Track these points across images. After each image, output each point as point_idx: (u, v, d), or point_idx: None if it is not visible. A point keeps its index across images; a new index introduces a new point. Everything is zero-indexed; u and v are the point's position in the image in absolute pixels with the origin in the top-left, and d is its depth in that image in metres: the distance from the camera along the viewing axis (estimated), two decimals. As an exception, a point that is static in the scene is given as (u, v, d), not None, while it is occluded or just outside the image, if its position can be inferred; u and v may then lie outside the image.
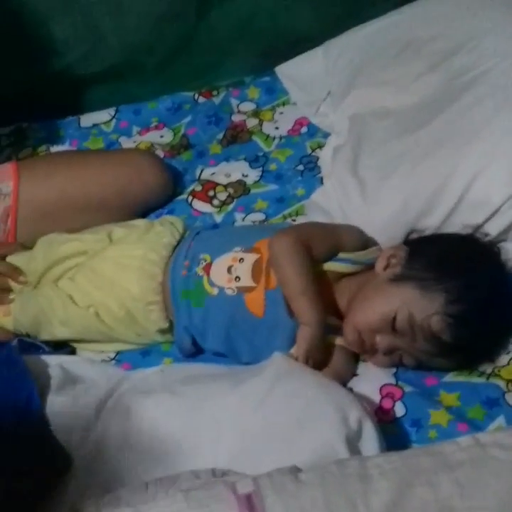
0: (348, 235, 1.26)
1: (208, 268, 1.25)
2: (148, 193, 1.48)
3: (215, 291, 1.23)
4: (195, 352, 1.28)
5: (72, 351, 1.29)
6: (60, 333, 1.26)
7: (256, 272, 1.23)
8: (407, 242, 1.26)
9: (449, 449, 0.86)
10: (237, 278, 1.23)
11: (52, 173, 1.47)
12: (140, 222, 1.36)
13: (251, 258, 1.24)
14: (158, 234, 1.31)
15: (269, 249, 1.21)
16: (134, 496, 0.84)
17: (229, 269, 1.24)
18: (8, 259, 1.37)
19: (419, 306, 1.13)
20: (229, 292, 1.22)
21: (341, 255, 1.24)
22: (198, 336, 1.25)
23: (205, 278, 1.24)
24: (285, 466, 0.85)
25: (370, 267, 1.25)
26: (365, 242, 1.28)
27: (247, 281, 1.22)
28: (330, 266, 1.24)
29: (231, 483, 0.82)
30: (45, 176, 1.46)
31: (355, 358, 1.21)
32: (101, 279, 1.26)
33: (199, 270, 1.25)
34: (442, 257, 1.18)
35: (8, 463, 0.92)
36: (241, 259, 1.24)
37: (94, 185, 1.44)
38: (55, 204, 1.42)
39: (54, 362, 1.13)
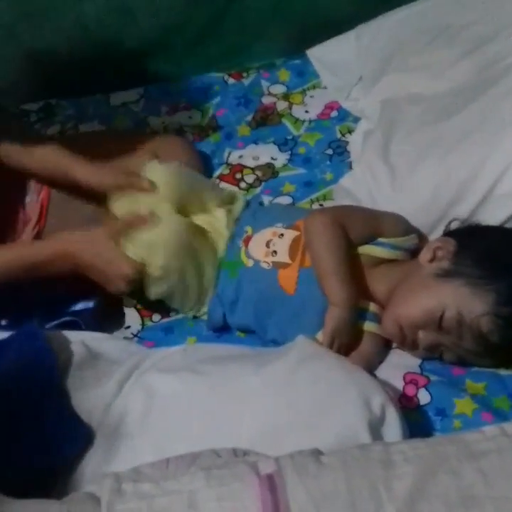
0: (389, 221, 1.24)
1: (247, 240, 1.27)
2: None
3: (250, 263, 1.24)
4: (221, 327, 1.28)
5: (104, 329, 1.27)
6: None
7: (293, 249, 1.23)
8: (452, 233, 1.23)
9: (473, 437, 0.85)
10: (274, 252, 1.24)
11: (83, 153, 1.45)
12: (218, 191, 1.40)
13: (291, 234, 1.24)
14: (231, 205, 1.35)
15: (305, 227, 1.21)
16: (154, 471, 0.84)
17: (267, 243, 1.25)
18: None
19: (469, 305, 1.09)
20: (264, 266, 1.23)
21: (381, 240, 1.23)
22: (228, 307, 1.25)
23: (243, 249, 1.26)
24: (307, 449, 0.85)
25: (411, 255, 1.23)
26: (406, 230, 1.26)
27: (283, 257, 1.23)
28: (368, 249, 1.22)
29: (253, 462, 0.82)
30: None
31: (386, 347, 1.19)
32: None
33: (240, 241, 1.27)
34: (493, 253, 1.14)
35: (30, 436, 0.92)
36: (281, 235, 1.25)
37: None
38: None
39: (76, 338, 1.12)
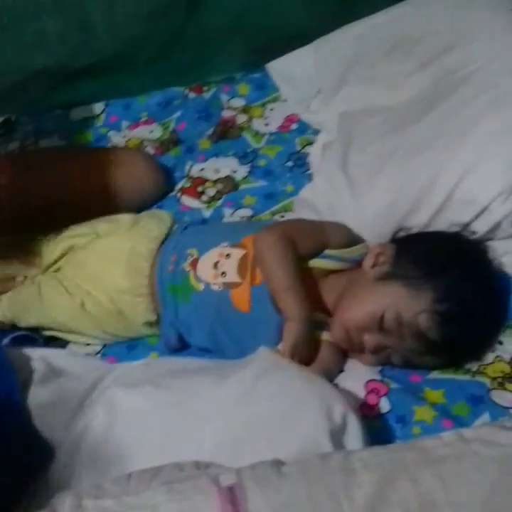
0: (334, 232, 1.26)
1: (194, 263, 1.25)
2: (141, 192, 1.48)
3: (201, 287, 1.23)
4: (180, 347, 1.27)
5: (63, 345, 1.29)
6: (46, 320, 1.26)
7: (242, 267, 1.22)
8: (395, 240, 1.26)
9: (432, 444, 0.86)
10: (223, 273, 1.23)
11: (42, 168, 1.46)
12: (125, 217, 1.36)
13: (237, 254, 1.24)
14: (145, 227, 1.32)
15: (254, 245, 1.21)
16: (116, 486, 0.84)
17: (215, 265, 1.24)
18: None
19: (407, 304, 1.13)
20: (215, 288, 1.22)
21: (328, 252, 1.24)
22: (184, 331, 1.25)
23: (191, 273, 1.24)
24: (268, 459, 0.85)
25: (357, 264, 1.25)
26: (352, 240, 1.28)
27: (232, 276, 1.22)
28: (316, 262, 1.24)
29: (214, 475, 0.82)
30: (37, 172, 1.45)
31: (342, 354, 1.20)
32: (88, 272, 1.26)
33: (186, 265, 1.25)
34: (429, 255, 1.18)
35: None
36: (227, 255, 1.24)
37: (83, 185, 1.44)
38: (43, 200, 1.41)
39: (37, 355, 1.12)
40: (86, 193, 1.44)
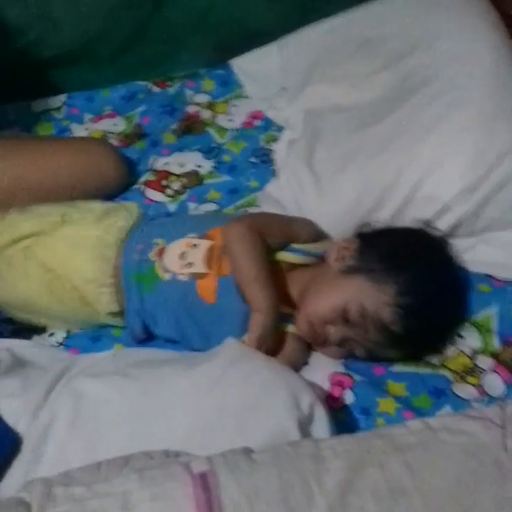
0: (301, 227, 1.27)
1: (160, 253, 1.25)
2: (103, 182, 1.47)
3: (167, 277, 1.23)
4: (146, 338, 1.27)
5: (29, 337, 1.27)
6: (10, 296, 1.24)
7: (209, 258, 1.23)
8: (359, 235, 1.28)
9: (398, 432, 0.88)
10: (190, 264, 1.23)
11: (6, 156, 1.43)
12: (95, 205, 1.35)
13: (205, 245, 1.24)
14: (113, 217, 1.30)
15: (223, 236, 1.21)
16: (85, 475, 0.83)
17: (182, 255, 1.24)
18: None
19: (371, 297, 1.15)
20: (181, 278, 1.22)
21: (294, 246, 1.25)
22: (150, 320, 1.24)
23: (157, 263, 1.24)
24: (238, 447, 0.86)
25: (322, 259, 1.26)
26: (318, 235, 1.30)
27: (199, 267, 1.22)
28: (282, 256, 1.25)
29: (185, 462, 0.82)
30: (0, 158, 1.42)
31: (307, 347, 1.22)
32: (54, 258, 1.25)
33: (152, 255, 1.25)
34: (393, 249, 1.20)
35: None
36: (194, 246, 1.24)
37: (48, 173, 1.42)
38: (6, 189, 1.39)
39: (2, 345, 1.11)
40: (51, 179, 1.42)
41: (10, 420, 0.98)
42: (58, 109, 1.69)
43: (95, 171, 1.46)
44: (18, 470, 0.95)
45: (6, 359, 1.07)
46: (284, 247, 1.25)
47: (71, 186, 1.42)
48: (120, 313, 1.27)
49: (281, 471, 0.81)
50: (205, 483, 0.79)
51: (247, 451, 0.85)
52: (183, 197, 1.50)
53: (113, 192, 1.49)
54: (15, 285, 1.25)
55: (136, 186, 1.53)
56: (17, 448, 0.96)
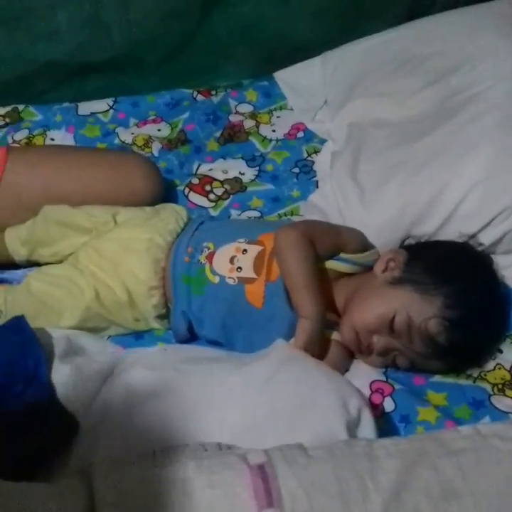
0: (350, 237, 1.29)
1: (210, 256, 1.27)
2: (136, 198, 1.44)
3: (216, 280, 1.25)
4: (189, 338, 1.29)
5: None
6: (66, 322, 1.24)
7: (258, 264, 1.25)
8: (405, 247, 1.30)
9: (450, 436, 0.89)
10: (239, 268, 1.25)
11: (39, 164, 1.45)
12: (144, 207, 1.37)
13: (254, 250, 1.26)
14: (164, 220, 1.33)
15: (275, 241, 1.23)
16: (142, 460, 0.85)
17: (231, 259, 1.26)
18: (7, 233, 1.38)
19: (418, 308, 1.16)
20: (230, 281, 1.24)
21: (342, 255, 1.27)
22: (196, 322, 1.26)
23: (207, 266, 1.26)
24: (292, 443, 0.87)
25: (369, 269, 1.28)
26: (366, 245, 1.32)
27: (248, 272, 1.24)
28: (331, 264, 1.26)
29: (242, 454, 0.84)
30: (32, 166, 1.44)
31: (349, 354, 1.23)
32: (105, 260, 1.27)
33: (202, 258, 1.27)
34: (440, 262, 1.22)
35: (16, 427, 0.92)
36: (244, 250, 1.26)
37: (79, 185, 1.43)
38: (36, 195, 1.41)
39: (58, 333, 1.13)
40: (82, 191, 1.43)
41: (66, 405, 1.00)
42: (105, 112, 1.72)
43: (129, 186, 1.44)
44: (74, 453, 0.97)
45: (62, 345, 1.09)
46: (333, 255, 1.27)
47: (103, 199, 1.41)
48: (166, 316, 1.29)
49: (336, 466, 0.83)
50: (263, 473, 0.81)
51: (302, 447, 0.86)
52: (226, 203, 1.53)
53: (146, 205, 1.45)
54: (56, 317, 1.25)
55: (179, 188, 1.55)
56: (75, 431, 0.98)
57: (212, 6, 1.71)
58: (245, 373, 1.04)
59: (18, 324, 1.05)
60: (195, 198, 1.54)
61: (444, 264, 1.21)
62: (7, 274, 1.39)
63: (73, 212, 1.36)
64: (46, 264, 1.37)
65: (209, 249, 1.28)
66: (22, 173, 1.43)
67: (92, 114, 1.71)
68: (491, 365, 1.23)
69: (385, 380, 1.20)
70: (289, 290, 1.20)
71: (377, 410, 1.16)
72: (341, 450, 0.85)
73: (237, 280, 1.24)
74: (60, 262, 1.35)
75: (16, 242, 1.38)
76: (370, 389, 1.19)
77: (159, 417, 1.00)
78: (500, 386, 1.21)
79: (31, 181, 1.42)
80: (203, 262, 1.27)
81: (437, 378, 1.22)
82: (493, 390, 1.20)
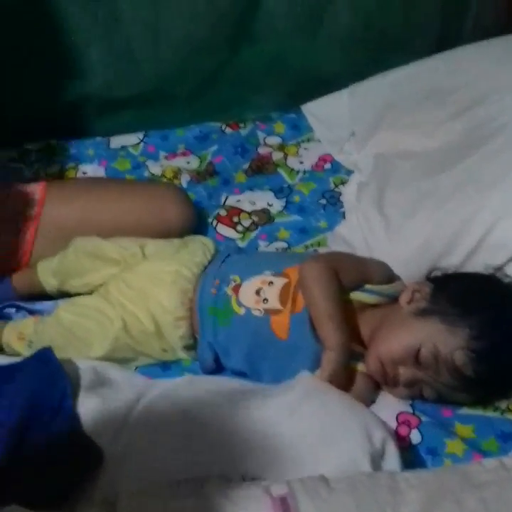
0: (375, 269, 1.30)
1: (237, 289, 1.29)
2: (168, 229, 1.47)
3: (242, 311, 1.26)
4: (215, 370, 1.30)
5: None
6: (95, 353, 1.27)
7: (283, 295, 1.26)
8: (431, 278, 1.30)
9: (474, 469, 0.89)
10: (265, 300, 1.26)
11: (75, 198, 1.49)
12: (172, 240, 1.40)
13: (280, 282, 1.28)
14: (191, 252, 1.35)
15: (300, 274, 1.25)
16: (166, 492, 0.86)
17: (258, 292, 1.27)
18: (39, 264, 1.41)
19: (444, 340, 1.16)
20: (256, 313, 1.26)
21: (367, 287, 1.28)
22: (222, 353, 1.28)
23: (233, 298, 1.28)
24: (314, 475, 0.88)
25: (394, 300, 1.28)
26: (390, 277, 1.32)
27: (274, 303, 1.26)
28: (356, 296, 1.27)
29: (265, 485, 0.84)
30: (69, 200, 1.49)
31: (375, 386, 1.23)
32: (134, 292, 1.30)
33: (228, 290, 1.29)
34: (466, 294, 1.21)
35: (41, 458, 0.93)
36: (270, 283, 1.28)
37: (111, 216, 1.46)
38: (72, 227, 1.44)
39: (85, 364, 1.15)
40: (114, 222, 1.46)
41: (92, 437, 1.01)
42: (135, 146, 1.75)
43: (161, 218, 1.47)
44: (99, 484, 0.98)
45: (88, 376, 1.11)
46: (358, 286, 1.27)
47: (136, 229, 1.44)
48: (193, 347, 1.30)
49: (358, 499, 0.83)
50: (285, 505, 0.81)
51: (324, 479, 0.87)
52: (253, 234, 1.55)
53: (178, 236, 1.47)
54: (86, 348, 1.27)
55: (208, 220, 1.58)
56: (100, 462, 0.99)
57: (240, 40, 1.74)
58: (270, 406, 1.05)
59: (45, 355, 1.07)
60: (223, 229, 1.56)
61: (469, 295, 1.21)
62: (38, 306, 1.42)
63: (103, 244, 1.39)
64: (77, 294, 1.40)
65: (235, 281, 1.30)
66: (60, 208, 1.47)
67: (123, 147, 1.75)
68: (519, 397, 1.22)
69: (411, 412, 1.20)
70: (314, 321, 1.20)
71: (403, 442, 1.15)
72: (363, 482, 0.85)
73: (263, 311, 1.25)
74: (91, 292, 1.38)
75: (47, 273, 1.41)
76: (397, 421, 1.18)
77: (183, 448, 1.01)
78: (528, 418, 1.19)
79: (68, 215, 1.46)
80: (230, 293, 1.29)
81: (465, 410, 1.21)
82: (521, 422, 1.19)
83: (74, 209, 1.47)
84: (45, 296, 1.44)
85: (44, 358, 1.07)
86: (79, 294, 1.39)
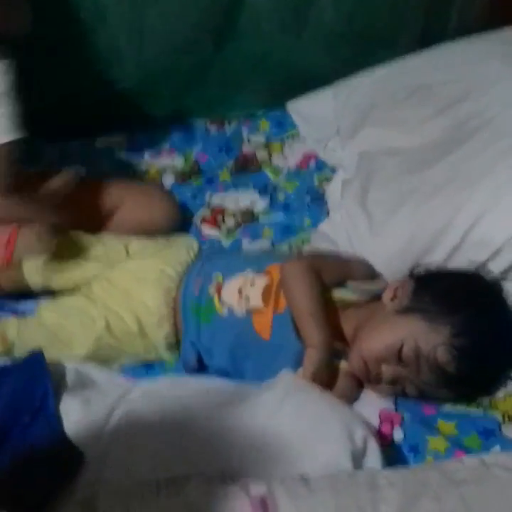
0: (356, 266, 1.31)
1: (219, 287, 1.29)
2: (152, 229, 1.48)
3: (224, 310, 1.27)
4: (198, 369, 1.30)
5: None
6: (77, 352, 1.27)
7: (266, 294, 1.26)
8: (413, 275, 1.30)
9: (453, 466, 0.89)
10: (247, 299, 1.26)
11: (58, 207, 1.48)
12: (157, 238, 1.40)
13: (262, 281, 1.28)
14: (175, 251, 1.36)
15: (282, 272, 1.25)
16: (146, 491, 0.86)
17: (240, 290, 1.27)
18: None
19: (426, 337, 1.16)
20: (238, 312, 1.26)
21: (349, 285, 1.28)
22: (205, 352, 1.28)
23: (216, 296, 1.28)
24: (295, 474, 0.88)
25: (376, 298, 1.29)
26: (372, 274, 1.33)
27: (256, 302, 1.26)
28: (338, 294, 1.27)
29: (244, 485, 0.84)
30: None
31: (358, 383, 1.23)
32: (117, 291, 1.30)
33: (211, 289, 1.29)
34: (448, 291, 1.22)
35: (22, 458, 0.93)
36: (252, 281, 1.28)
37: (97, 213, 1.47)
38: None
39: (68, 365, 1.15)
40: (100, 220, 1.47)
41: (73, 437, 1.01)
42: (120, 145, 1.75)
43: (144, 217, 1.48)
44: (79, 484, 0.97)
45: (71, 377, 1.12)
46: (339, 285, 1.27)
47: (118, 229, 1.45)
48: (176, 346, 1.30)
49: (337, 497, 0.83)
50: (263, 505, 0.81)
51: (304, 478, 0.87)
52: (238, 233, 1.55)
53: (162, 235, 1.48)
54: (68, 346, 1.28)
55: (192, 220, 1.57)
56: (81, 462, 0.99)
57: (224, 38, 1.74)
58: (252, 404, 1.05)
59: (34, 357, 1.07)
60: (207, 229, 1.56)
61: (452, 292, 1.21)
62: (22, 306, 1.42)
63: (87, 239, 1.39)
64: (60, 290, 1.40)
65: (217, 280, 1.30)
66: None
67: (108, 147, 1.75)
68: (501, 393, 1.22)
69: (394, 409, 1.20)
70: (295, 320, 1.20)
71: (386, 440, 1.15)
72: (343, 481, 0.85)
73: (245, 311, 1.25)
74: (74, 289, 1.38)
75: (32, 268, 1.40)
76: (380, 418, 1.19)
77: (163, 448, 1.00)
78: (510, 415, 1.19)
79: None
80: (212, 293, 1.29)
81: (447, 407, 1.21)
82: (503, 419, 1.19)
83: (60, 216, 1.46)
84: (29, 294, 1.44)
85: (32, 360, 1.07)
86: (62, 291, 1.39)
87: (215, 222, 1.56)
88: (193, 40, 1.72)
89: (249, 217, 1.58)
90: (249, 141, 1.75)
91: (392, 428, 1.17)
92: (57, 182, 1.39)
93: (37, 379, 1.03)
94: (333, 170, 1.66)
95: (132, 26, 1.68)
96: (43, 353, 1.09)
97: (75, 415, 1.04)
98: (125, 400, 1.10)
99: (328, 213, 1.56)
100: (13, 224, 1.40)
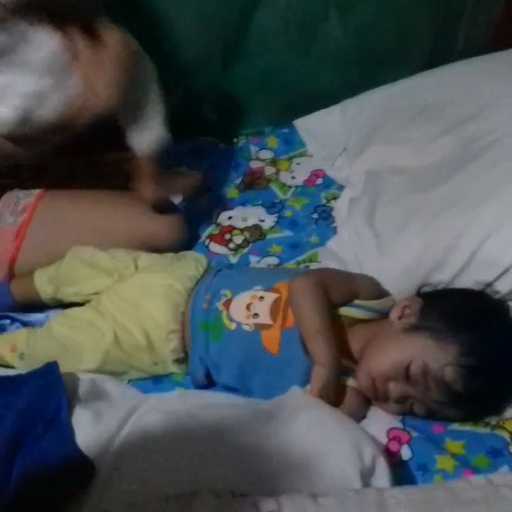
0: (364, 284, 1.31)
1: (228, 304, 1.30)
2: (159, 246, 1.49)
3: (233, 326, 1.27)
4: (206, 384, 1.30)
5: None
6: (86, 365, 1.28)
7: (274, 310, 1.27)
8: (421, 294, 1.31)
9: (461, 486, 0.89)
10: (256, 315, 1.27)
11: (67, 208, 1.50)
12: (166, 253, 1.41)
13: (270, 297, 1.28)
14: (184, 266, 1.37)
15: (290, 289, 1.25)
16: (154, 507, 0.86)
17: (248, 306, 1.28)
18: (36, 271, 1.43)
19: (434, 356, 1.16)
20: (246, 328, 1.26)
21: (357, 302, 1.29)
22: (213, 368, 1.28)
23: (224, 313, 1.29)
24: (304, 491, 0.88)
25: (384, 315, 1.29)
26: (380, 292, 1.33)
27: (264, 318, 1.26)
28: (346, 311, 1.28)
29: (254, 501, 0.84)
30: (60, 210, 1.49)
31: (366, 401, 1.23)
32: (126, 304, 1.30)
33: (219, 305, 1.30)
34: (456, 310, 1.22)
35: (34, 468, 0.94)
36: (261, 298, 1.29)
37: (105, 228, 1.48)
38: (63, 249, 1.45)
39: (83, 376, 1.17)
40: (108, 235, 1.48)
41: (84, 449, 1.01)
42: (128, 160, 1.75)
43: (152, 235, 1.49)
44: (90, 497, 0.97)
45: (85, 388, 1.13)
46: (347, 302, 1.28)
47: (126, 245, 1.46)
48: (184, 361, 1.31)
49: (346, 516, 0.83)
50: (273, 522, 0.81)
51: (313, 495, 0.87)
52: (245, 250, 1.56)
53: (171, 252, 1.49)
54: (77, 360, 1.29)
55: (200, 240, 1.59)
56: (92, 475, 0.99)
57: (233, 56, 1.76)
58: (260, 420, 1.05)
59: (49, 368, 1.08)
60: (215, 247, 1.57)
61: (460, 311, 1.22)
62: (32, 317, 1.43)
63: (97, 253, 1.42)
64: (70, 303, 1.42)
65: (226, 296, 1.31)
66: (58, 205, 1.49)
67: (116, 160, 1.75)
68: (509, 412, 1.22)
69: (402, 427, 1.20)
70: (303, 337, 1.21)
71: (394, 458, 1.15)
72: (351, 499, 0.85)
73: (253, 326, 1.26)
74: (83, 301, 1.40)
75: (43, 280, 1.42)
76: (387, 436, 1.18)
77: (173, 463, 1.01)
78: (518, 434, 1.20)
79: (62, 226, 1.48)
80: (221, 308, 1.29)
81: (455, 426, 1.21)
82: (511, 439, 1.18)
83: (64, 220, 1.48)
84: (40, 305, 1.45)
85: (46, 370, 1.08)
86: (72, 303, 1.41)
87: (223, 241, 1.57)
88: (201, 58, 1.74)
89: (256, 234, 1.58)
90: (257, 157, 1.76)
91: (400, 446, 1.17)
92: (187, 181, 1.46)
93: (51, 390, 1.04)
94: (341, 187, 1.67)
95: (140, 44, 1.70)
96: (57, 365, 1.10)
97: (86, 427, 1.05)
98: (136, 414, 1.10)
99: (335, 231, 1.57)
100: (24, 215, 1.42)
